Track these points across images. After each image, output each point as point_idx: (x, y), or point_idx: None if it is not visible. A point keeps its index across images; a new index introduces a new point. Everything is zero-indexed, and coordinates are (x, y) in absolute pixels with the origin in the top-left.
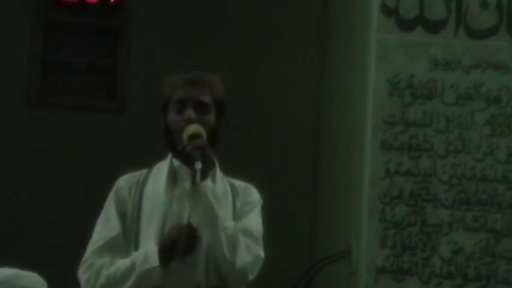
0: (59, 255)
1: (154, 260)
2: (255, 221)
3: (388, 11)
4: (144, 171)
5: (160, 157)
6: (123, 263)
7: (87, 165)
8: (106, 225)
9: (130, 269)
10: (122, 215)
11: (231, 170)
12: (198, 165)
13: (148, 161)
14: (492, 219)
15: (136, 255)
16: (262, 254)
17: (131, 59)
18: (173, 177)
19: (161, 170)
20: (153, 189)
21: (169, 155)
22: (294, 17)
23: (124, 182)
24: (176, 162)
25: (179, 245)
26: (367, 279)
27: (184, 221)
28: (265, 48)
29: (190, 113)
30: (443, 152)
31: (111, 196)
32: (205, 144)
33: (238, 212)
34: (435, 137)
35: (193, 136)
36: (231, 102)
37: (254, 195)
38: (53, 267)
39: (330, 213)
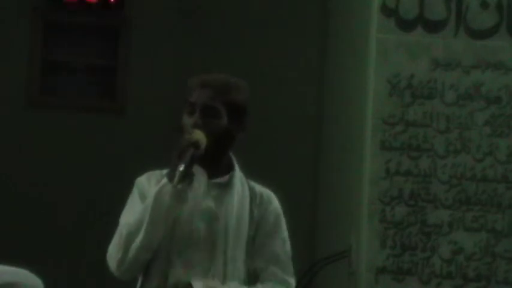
0: (59, 254)
1: (164, 181)
2: (282, 244)
3: (388, 11)
4: (164, 171)
5: (160, 157)
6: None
7: (87, 165)
8: (131, 213)
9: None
10: None
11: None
12: (181, 167)
13: (148, 161)
14: (492, 219)
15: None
16: (292, 280)
17: (131, 59)
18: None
19: None
20: None
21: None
22: (294, 17)
23: (144, 178)
24: None
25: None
26: (367, 279)
27: (193, 227)
28: (265, 48)
29: (196, 117)
30: (443, 152)
31: (134, 192)
32: (196, 154)
33: (256, 222)
34: (435, 137)
35: (194, 144)
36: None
37: (273, 206)
38: (53, 267)
39: (330, 213)
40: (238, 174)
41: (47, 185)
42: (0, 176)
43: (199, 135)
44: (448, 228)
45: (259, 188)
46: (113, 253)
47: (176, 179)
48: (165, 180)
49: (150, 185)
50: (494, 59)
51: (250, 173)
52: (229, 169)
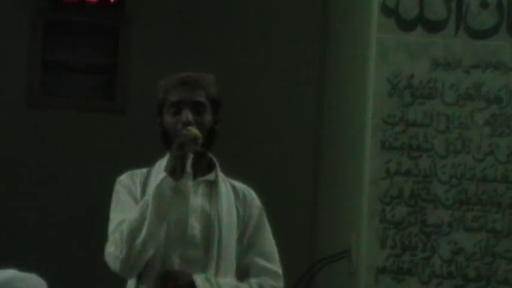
0: (59, 254)
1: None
2: (268, 237)
3: (388, 11)
4: (144, 170)
5: (160, 157)
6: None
7: (87, 165)
8: (124, 210)
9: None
10: (137, 202)
11: (231, 170)
12: (189, 161)
13: (148, 161)
14: (492, 219)
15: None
16: (280, 270)
17: (131, 59)
18: None
19: (161, 170)
20: None
21: (168, 155)
22: (294, 17)
23: (127, 177)
24: None
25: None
26: (367, 279)
27: (189, 226)
28: (265, 48)
29: (188, 114)
30: (443, 152)
31: (120, 191)
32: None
33: (243, 218)
34: (435, 137)
35: (193, 140)
36: (230, 103)
37: (256, 201)
38: (53, 266)
39: (330, 213)
40: (220, 173)
41: (47, 185)
42: (0, 176)
43: (196, 131)
44: (448, 228)
45: (239, 185)
46: (115, 253)
47: (187, 172)
48: (164, 174)
49: (135, 184)
50: (494, 59)
51: (251, 173)
52: (212, 166)
